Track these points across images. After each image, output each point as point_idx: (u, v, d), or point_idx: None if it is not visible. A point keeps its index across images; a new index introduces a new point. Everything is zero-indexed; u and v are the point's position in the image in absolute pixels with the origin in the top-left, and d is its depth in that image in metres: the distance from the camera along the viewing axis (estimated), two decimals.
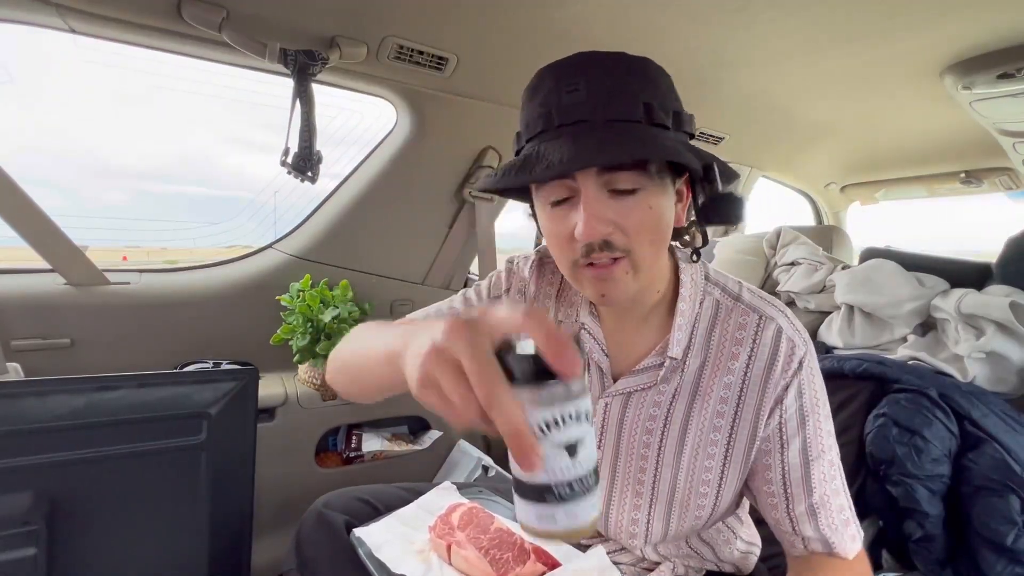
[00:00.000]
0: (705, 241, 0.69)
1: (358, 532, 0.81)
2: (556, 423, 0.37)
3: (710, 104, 1.75)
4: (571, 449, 0.38)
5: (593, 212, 0.59)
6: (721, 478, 0.72)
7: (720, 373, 0.70)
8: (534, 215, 0.73)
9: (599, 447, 0.76)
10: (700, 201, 0.67)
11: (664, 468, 0.73)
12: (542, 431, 0.37)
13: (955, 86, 1.40)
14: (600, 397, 0.75)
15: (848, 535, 0.69)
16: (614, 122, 0.58)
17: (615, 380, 0.74)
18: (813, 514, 0.68)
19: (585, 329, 0.76)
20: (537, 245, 0.84)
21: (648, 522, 0.76)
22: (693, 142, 0.65)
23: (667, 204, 0.63)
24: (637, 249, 0.62)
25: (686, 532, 0.77)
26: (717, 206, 0.66)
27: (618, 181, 0.59)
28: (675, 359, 0.71)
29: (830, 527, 0.68)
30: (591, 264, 0.62)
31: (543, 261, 0.83)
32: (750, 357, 0.69)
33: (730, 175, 0.64)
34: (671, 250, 0.75)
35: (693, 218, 0.69)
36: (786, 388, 0.68)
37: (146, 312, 1.45)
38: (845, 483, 0.71)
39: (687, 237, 0.70)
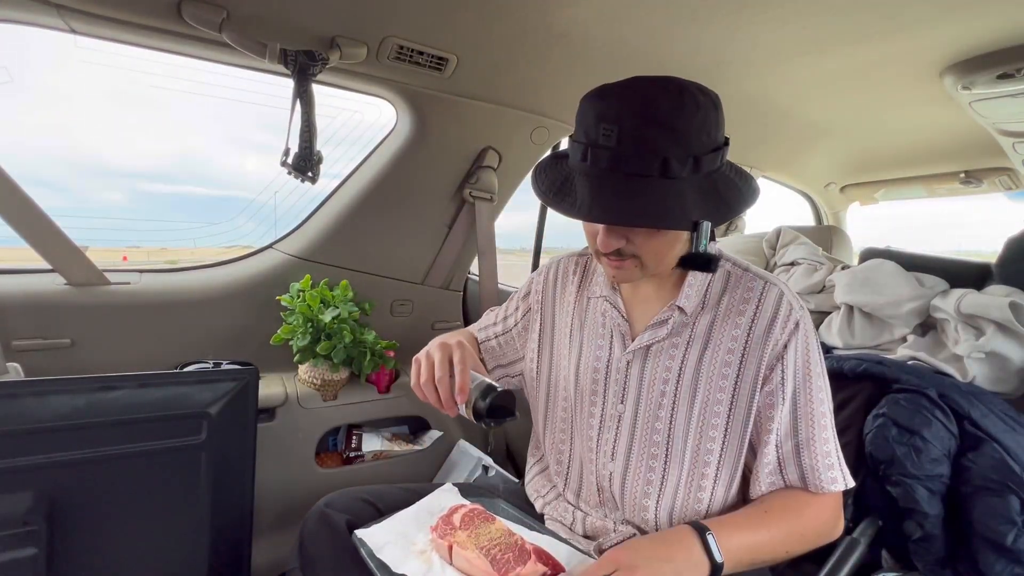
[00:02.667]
0: (714, 235, 0.85)
1: (359, 533, 0.81)
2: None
3: None
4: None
5: (608, 231, 0.74)
6: (727, 427, 0.81)
7: (728, 327, 0.81)
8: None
9: (622, 402, 0.86)
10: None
11: (677, 421, 0.82)
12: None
13: (955, 86, 1.40)
14: (623, 355, 0.86)
15: (828, 477, 0.79)
16: (632, 176, 0.68)
17: (634, 340, 0.86)
18: (797, 452, 0.79)
19: (606, 300, 0.89)
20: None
21: (662, 482, 0.82)
22: None
23: (673, 231, 0.75)
24: (643, 257, 0.76)
25: (695, 496, 0.81)
26: (693, 261, 0.79)
27: None
28: (683, 311, 0.82)
29: (811, 466, 0.78)
30: (608, 256, 0.77)
31: (578, 259, 1.00)
32: (755, 314, 0.80)
33: (725, 212, 0.72)
34: None
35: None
36: (785, 346, 0.78)
37: (146, 312, 1.45)
38: (836, 440, 0.81)
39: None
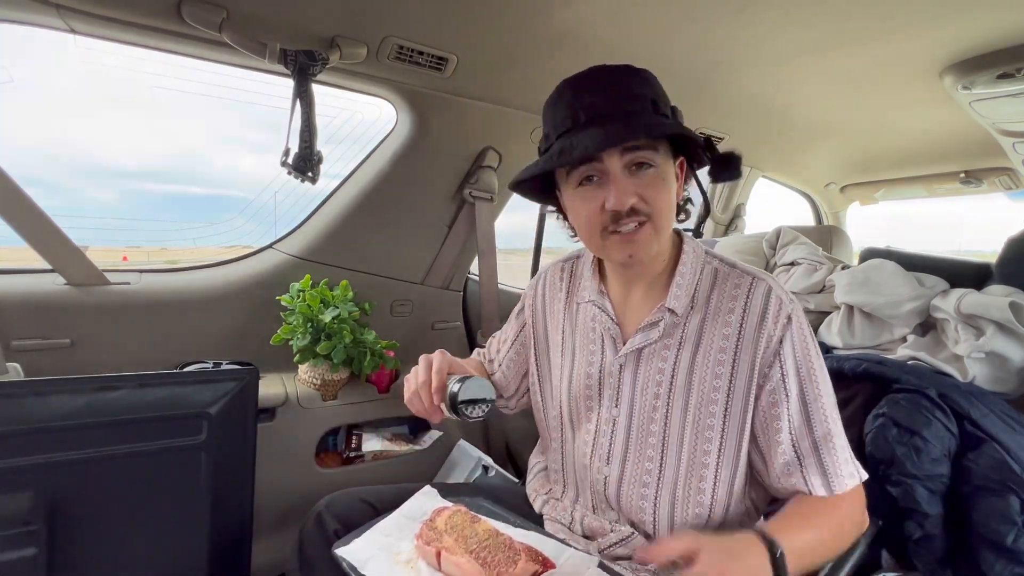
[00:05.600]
0: (708, 211, 0.88)
1: (339, 551, 0.77)
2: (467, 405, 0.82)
3: (710, 104, 1.75)
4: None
5: (620, 186, 0.74)
6: (723, 427, 0.80)
7: (719, 326, 0.80)
8: (559, 210, 0.89)
9: (616, 406, 0.86)
10: (696, 172, 0.85)
11: (672, 423, 0.81)
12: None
13: (955, 86, 1.40)
14: (615, 359, 0.85)
15: (847, 472, 0.77)
16: (630, 113, 0.74)
17: (625, 343, 0.85)
18: (816, 450, 0.76)
19: (594, 304, 0.89)
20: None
21: (658, 484, 0.82)
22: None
23: (673, 178, 0.80)
24: (656, 212, 0.76)
25: (695, 499, 0.81)
26: (722, 166, 0.83)
27: (638, 158, 0.74)
28: (674, 312, 0.82)
29: (832, 463, 0.76)
30: (615, 232, 0.77)
31: (564, 264, 1.00)
32: (744, 311, 0.80)
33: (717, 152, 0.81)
34: (675, 230, 0.87)
35: (687, 195, 0.87)
36: (780, 341, 0.78)
37: (146, 312, 1.45)
38: (841, 427, 0.79)
39: (687, 210, 0.88)
